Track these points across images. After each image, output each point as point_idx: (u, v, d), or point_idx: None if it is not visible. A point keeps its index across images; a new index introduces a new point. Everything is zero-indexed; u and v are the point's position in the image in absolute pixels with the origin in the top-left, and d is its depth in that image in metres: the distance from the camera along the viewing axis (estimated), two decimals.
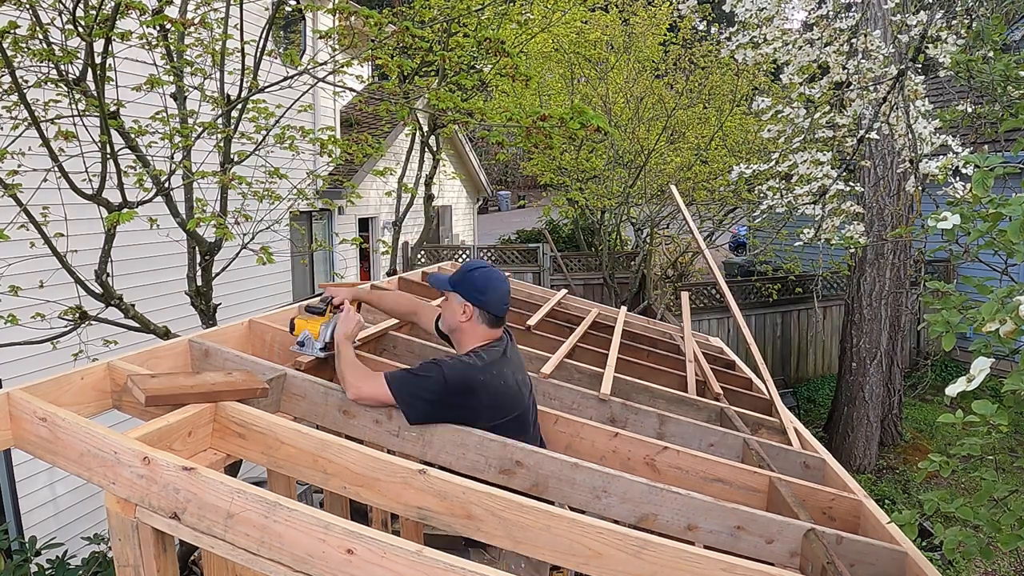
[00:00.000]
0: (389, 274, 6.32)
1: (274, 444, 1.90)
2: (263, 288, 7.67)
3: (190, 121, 4.10)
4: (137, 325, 4.15)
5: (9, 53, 3.32)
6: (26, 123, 3.57)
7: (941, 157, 3.37)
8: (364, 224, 11.53)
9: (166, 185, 3.87)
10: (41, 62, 3.58)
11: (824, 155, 3.76)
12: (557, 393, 2.80)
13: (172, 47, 4.03)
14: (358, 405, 2.21)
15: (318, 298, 2.60)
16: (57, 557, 4.04)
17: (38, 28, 3.43)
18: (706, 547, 1.88)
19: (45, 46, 3.52)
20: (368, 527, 1.49)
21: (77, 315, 4.02)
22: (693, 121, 11.13)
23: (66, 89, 3.64)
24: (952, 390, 1.50)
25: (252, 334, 2.72)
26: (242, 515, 1.54)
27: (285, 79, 4.04)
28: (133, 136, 3.90)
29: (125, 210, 3.37)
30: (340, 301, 2.51)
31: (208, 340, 2.45)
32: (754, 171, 3.97)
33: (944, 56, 3.38)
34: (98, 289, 3.92)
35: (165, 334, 4.10)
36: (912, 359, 10.97)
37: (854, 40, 3.54)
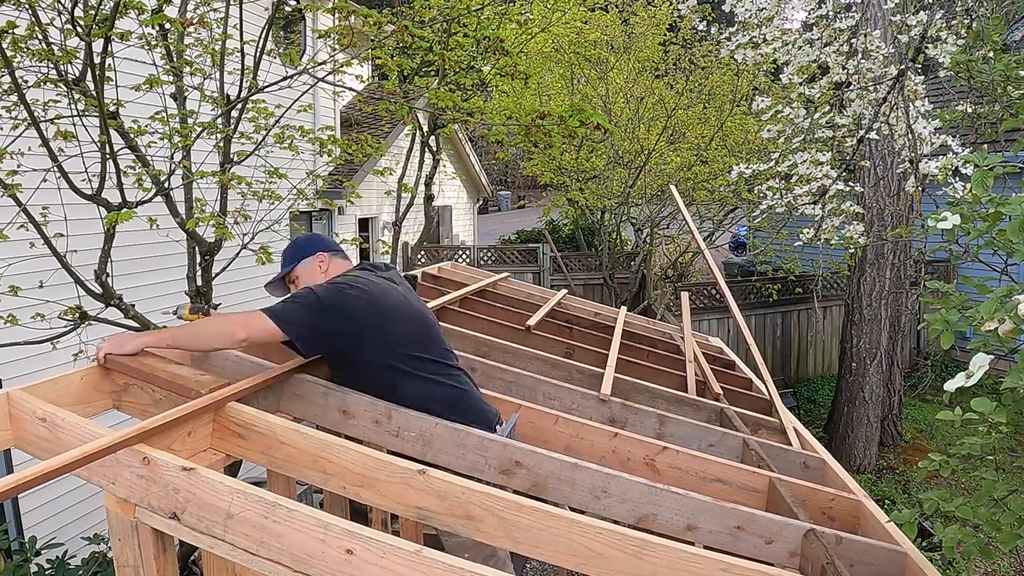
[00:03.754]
0: None
1: (274, 444, 1.90)
2: (263, 288, 7.66)
3: (190, 121, 4.10)
4: (137, 325, 4.15)
5: (8, 53, 3.32)
6: (25, 123, 3.56)
7: (941, 157, 3.37)
8: (364, 224, 11.53)
9: (166, 185, 3.87)
10: (40, 62, 3.58)
11: (824, 155, 3.75)
12: (557, 393, 2.80)
13: (172, 47, 4.02)
14: (353, 405, 2.22)
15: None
16: (57, 557, 4.04)
17: (37, 28, 3.43)
18: (706, 547, 1.88)
19: (44, 46, 3.52)
20: (368, 527, 1.49)
21: (77, 315, 4.02)
22: (693, 121, 11.13)
23: (65, 89, 3.63)
24: (951, 385, 1.50)
25: None
26: (242, 515, 1.54)
27: (285, 79, 4.04)
28: (133, 136, 3.90)
29: (124, 210, 3.37)
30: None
31: None
32: (754, 171, 3.97)
33: (944, 56, 3.38)
34: (98, 289, 3.92)
35: None
36: (912, 359, 10.97)
37: (854, 40, 3.54)
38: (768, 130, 4.09)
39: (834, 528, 2.03)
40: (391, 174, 7.37)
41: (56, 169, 3.51)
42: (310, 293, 2.21)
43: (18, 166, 3.69)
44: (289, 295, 2.34)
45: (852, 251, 7.32)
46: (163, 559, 1.70)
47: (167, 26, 3.84)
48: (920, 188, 3.56)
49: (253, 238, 4.25)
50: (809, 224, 3.93)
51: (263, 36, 4.10)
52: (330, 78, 4.44)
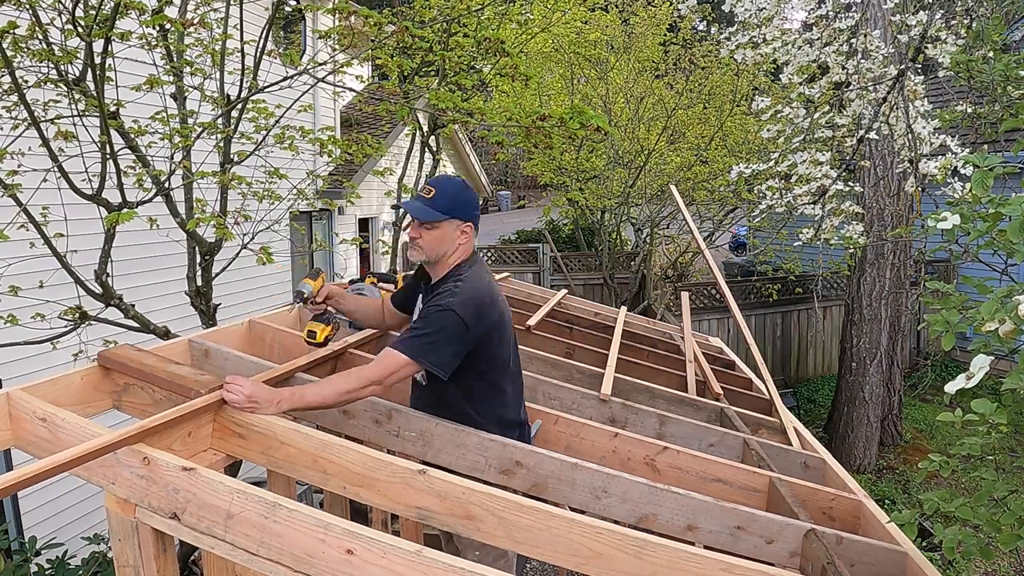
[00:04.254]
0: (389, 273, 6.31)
1: (274, 444, 1.90)
2: (263, 288, 7.67)
3: (190, 121, 4.10)
4: (137, 325, 4.15)
5: (9, 53, 3.32)
6: (26, 123, 3.56)
7: (941, 157, 3.37)
8: (364, 224, 11.54)
9: (166, 185, 3.87)
10: (41, 62, 3.58)
11: (824, 155, 3.75)
12: (557, 393, 2.80)
13: (172, 47, 4.02)
14: (358, 406, 2.22)
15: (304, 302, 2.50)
16: (57, 557, 4.04)
17: (37, 28, 3.43)
18: (706, 547, 1.88)
19: (45, 46, 3.52)
20: (368, 527, 1.49)
21: (77, 315, 4.02)
22: (693, 121, 11.14)
23: (66, 89, 3.64)
24: (951, 387, 1.50)
25: (252, 334, 2.72)
26: (242, 515, 1.54)
27: (285, 79, 4.04)
28: (133, 136, 3.90)
29: (125, 210, 3.37)
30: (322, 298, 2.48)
31: (208, 340, 2.45)
32: (754, 171, 3.96)
33: (944, 56, 3.37)
34: (98, 289, 3.92)
35: (165, 334, 4.10)
36: (912, 359, 10.97)
37: (854, 40, 3.54)
38: (768, 130, 4.08)
39: (834, 528, 2.03)
40: (391, 174, 7.37)
41: (56, 169, 3.51)
42: (455, 321, 2.07)
43: (18, 166, 3.69)
44: (426, 324, 2.12)
45: (852, 251, 7.33)
46: (163, 559, 1.70)
47: (167, 26, 3.84)
48: (920, 188, 3.56)
49: (253, 238, 4.25)
50: (809, 224, 3.93)
51: (263, 36, 4.11)
52: (330, 78, 4.45)
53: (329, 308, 2.52)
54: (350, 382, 2.04)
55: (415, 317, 2.36)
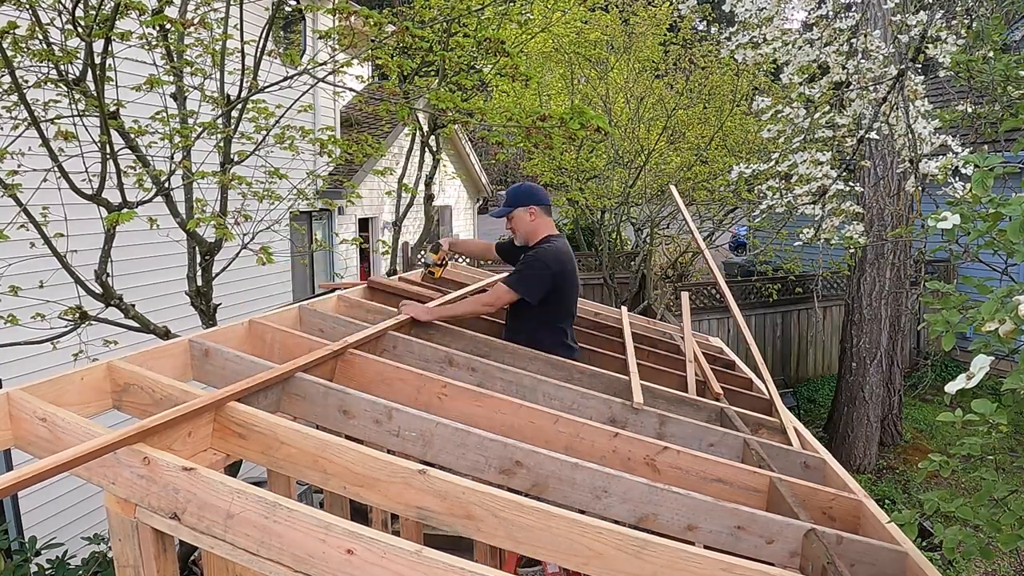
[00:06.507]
0: (389, 274, 6.31)
1: (274, 444, 1.90)
2: (263, 288, 7.67)
3: (190, 121, 4.10)
4: (137, 325, 4.15)
5: (9, 53, 3.32)
6: (26, 123, 3.56)
7: (941, 157, 3.37)
8: (364, 224, 11.53)
9: (166, 185, 3.87)
10: (41, 62, 3.58)
11: (824, 155, 3.75)
12: (557, 393, 2.80)
13: (172, 47, 4.02)
14: (353, 405, 2.23)
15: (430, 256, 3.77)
16: (57, 557, 4.04)
17: (38, 28, 3.43)
18: (706, 547, 1.87)
19: (45, 46, 3.52)
20: (368, 527, 1.49)
21: (77, 315, 4.02)
22: (693, 121, 11.13)
23: (66, 89, 3.64)
24: (952, 387, 1.50)
25: (252, 334, 2.72)
26: (242, 515, 1.54)
27: (285, 79, 4.04)
28: (133, 136, 3.90)
29: (125, 210, 3.37)
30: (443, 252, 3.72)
31: (208, 340, 2.45)
32: (754, 171, 3.96)
33: (944, 56, 3.37)
34: (98, 289, 3.92)
35: (165, 334, 4.10)
36: (912, 359, 10.97)
37: (854, 40, 3.54)
38: (768, 130, 4.08)
39: (835, 528, 2.03)
40: (391, 174, 7.37)
41: (56, 169, 3.51)
42: (542, 265, 3.16)
43: (19, 166, 3.69)
44: (523, 264, 3.22)
45: (852, 251, 7.33)
46: (163, 559, 1.70)
47: (167, 26, 3.85)
48: (920, 188, 3.56)
49: (253, 238, 4.26)
50: (809, 224, 3.93)
51: (263, 36, 4.10)
52: (330, 78, 4.45)
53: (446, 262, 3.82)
54: (473, 305, 3.16)
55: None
